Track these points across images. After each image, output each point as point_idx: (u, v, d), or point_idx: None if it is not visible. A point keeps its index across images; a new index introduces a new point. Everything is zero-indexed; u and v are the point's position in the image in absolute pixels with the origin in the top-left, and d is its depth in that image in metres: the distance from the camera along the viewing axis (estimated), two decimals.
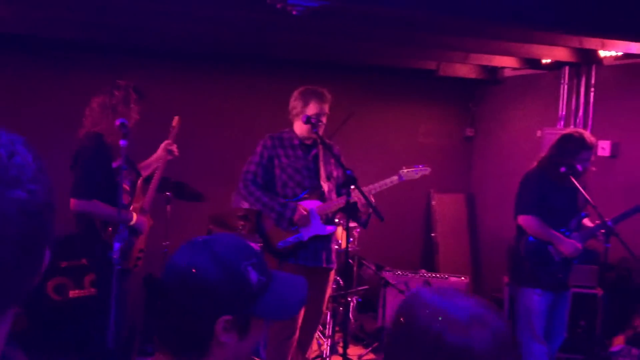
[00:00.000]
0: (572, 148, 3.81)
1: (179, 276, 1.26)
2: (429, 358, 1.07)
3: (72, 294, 4.86)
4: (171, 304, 1.26)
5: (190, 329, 1.25)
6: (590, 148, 3.84)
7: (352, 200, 3.70)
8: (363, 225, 4.11)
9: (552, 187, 3.88)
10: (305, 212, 3.81)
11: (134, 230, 3.65)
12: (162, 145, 3.96)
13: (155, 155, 3.99)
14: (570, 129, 4.11)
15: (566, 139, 3.87)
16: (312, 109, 3.81)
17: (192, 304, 1.24)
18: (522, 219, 3.89)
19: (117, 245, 3.10)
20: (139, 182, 3.83)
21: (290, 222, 3.81)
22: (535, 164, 4.00)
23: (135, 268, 3.69)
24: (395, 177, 3.90)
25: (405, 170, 3.93)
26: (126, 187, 3.64)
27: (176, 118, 4.04)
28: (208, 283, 1.23)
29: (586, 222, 3.99)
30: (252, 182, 3.87)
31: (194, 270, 1.24)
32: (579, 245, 3.83)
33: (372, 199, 3.81)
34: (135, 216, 3.63)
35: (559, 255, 3.86)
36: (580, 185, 3.79)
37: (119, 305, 3.17)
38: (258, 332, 1.31)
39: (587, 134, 3.90)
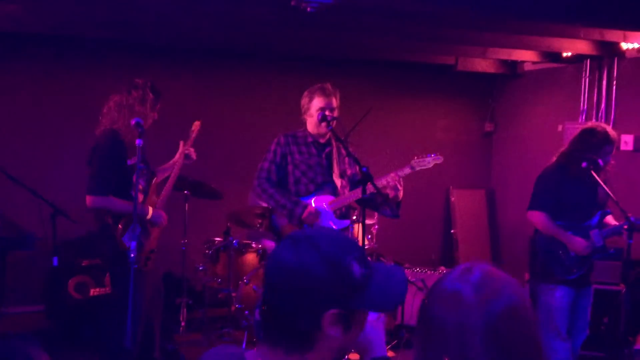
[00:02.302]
0: (595, 142, 3.74)
1: (286, 274, 1.29)
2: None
3: (93, 292, 4.91)
4: (279, 301, 1.29)
5: (298, 324, 1.28)
6: (613, 142, 3.77)
7: (368, 193, 3.63)
8: (392, 215, 3.96)
9: (571, 181, 3.81)
10: (314, 211, 3.81)
11: (146, 228, 3.66)
12: (180, 150, 3.99)
13: (172, 160, 4.02)
14: (592, 123, 4.03)
15: (589, 133, 3.79)
16: (317, 103, 3.83)
17: (300, 300, 1.27)
18: (531, 215, 3.87)
19: (133, 244, 3.11)
20: (153, 182, 3.85)
21: (300, 220, 3.82)
22: (554, 158, 3.93)
23: (145, 267, 3.65)
24: (406, 168, 3.82)
25: (417, 160, 3.84)
26: (140, 185, 3.65)
27: (196, 123, 4.07)
28: (315, 279, 1.26)
29: (609, 219, 3.91)
30: (266, 180, 3.91)
31: (302, 268, 1.27)
32: (587, 243, 3.74)
33: (402, 193, 3.74)
34: (150, 210, 3.65)
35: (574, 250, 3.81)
36: (601, 180, 3.72)
37: (133, 305, 3.18)
38: (362, 323, 1.34)
39: (609, 128, 3.82)
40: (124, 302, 3.24)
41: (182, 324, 5.00)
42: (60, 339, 4.75)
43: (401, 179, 3.74)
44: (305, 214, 3.81)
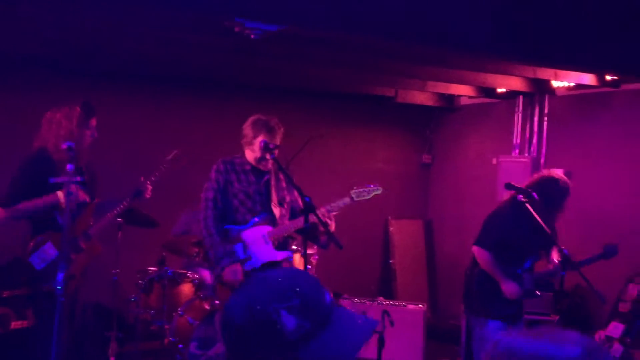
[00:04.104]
0: (559, 194, 3.86)
1: (222, 315, 1.22)
2: None
3: (14, 325, 4.62)
4: (227, 351, 1.21)
5: None
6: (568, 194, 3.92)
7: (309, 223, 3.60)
8: (324, 246, 3.99)
9: (520, 222, 3.84)
10: (237, 276, 3.71)
11: (68, 253, 3.56)
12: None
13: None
14: (552, 173, 4.06)
15: (552, 181, 3.89)
16: (262, 139, 3.80)
17: (229, 345, 1.18)
18: (477, 250, 3.91)
19: (60, 276, 2.95)
20: (91, 205, 3.77)
21: (219, 278, 3.78)
22: (507, 197, 4.01)
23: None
24: (346, 199, 3.82)
25: (356, 190, 3.84)
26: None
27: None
28: (235, 325, 1.16)
29: (553, 254, 4.01)
30: (213, 218, 3.79)
31: (226, 311, 1.19)
32: (519, 291, 3.83)
33: (333, 226, 3.74)
34: (60, 193, 3.50)
35: None
36: (550, 223, 3.81)
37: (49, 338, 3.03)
38: None
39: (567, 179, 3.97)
40: (44, 335, 3.08)
41: (112, 358, 4.75)
42: None
43: (332, 214, 3.74)
44: (225, 277, 3.74)
